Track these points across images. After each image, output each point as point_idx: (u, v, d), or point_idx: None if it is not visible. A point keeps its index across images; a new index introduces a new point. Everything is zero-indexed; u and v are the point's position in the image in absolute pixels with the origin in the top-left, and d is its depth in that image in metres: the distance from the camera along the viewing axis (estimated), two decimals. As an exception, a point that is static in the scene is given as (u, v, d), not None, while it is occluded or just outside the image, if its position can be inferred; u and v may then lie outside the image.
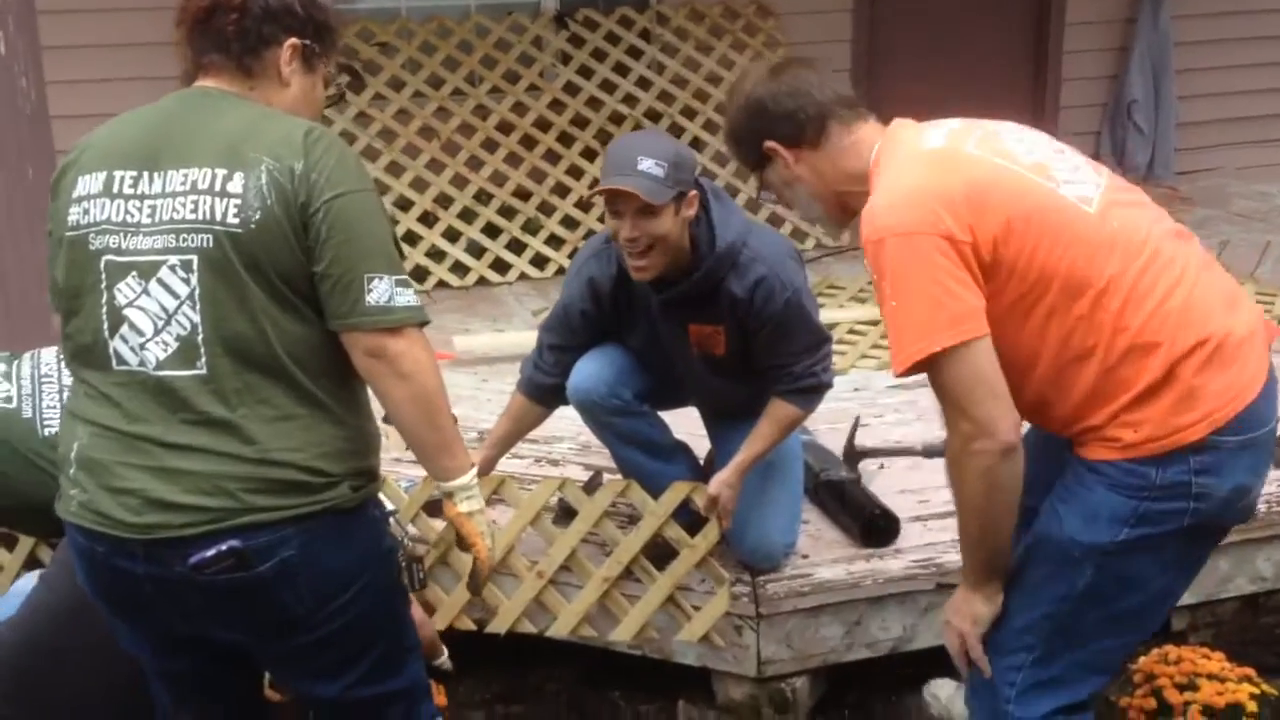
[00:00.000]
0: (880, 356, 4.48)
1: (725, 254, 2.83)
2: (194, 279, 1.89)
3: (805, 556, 3.17)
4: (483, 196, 5.62)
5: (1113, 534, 2.04)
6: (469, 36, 5.76)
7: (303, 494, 1.93)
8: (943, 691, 3.01)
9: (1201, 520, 2.05)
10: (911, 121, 2.21)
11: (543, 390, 3.08)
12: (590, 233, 5.41)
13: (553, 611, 3.11)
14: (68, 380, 2.21)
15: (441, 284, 5.44)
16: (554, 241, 5.62)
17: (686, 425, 3.31)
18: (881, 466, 3.57)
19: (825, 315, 3.62)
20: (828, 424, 3.61)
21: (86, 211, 1.95)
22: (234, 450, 1.90)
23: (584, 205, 5.64)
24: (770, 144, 2.21)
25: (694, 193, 2.81)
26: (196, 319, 1.90)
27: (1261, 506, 2.96)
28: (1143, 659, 2.96)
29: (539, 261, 5.58)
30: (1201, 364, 1.99)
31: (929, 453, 2.81)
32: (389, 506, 2.66)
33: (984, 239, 1.97)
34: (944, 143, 2.11)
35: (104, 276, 1.94)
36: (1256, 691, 2.85)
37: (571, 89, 5.87)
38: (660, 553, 3.03)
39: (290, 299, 1.91)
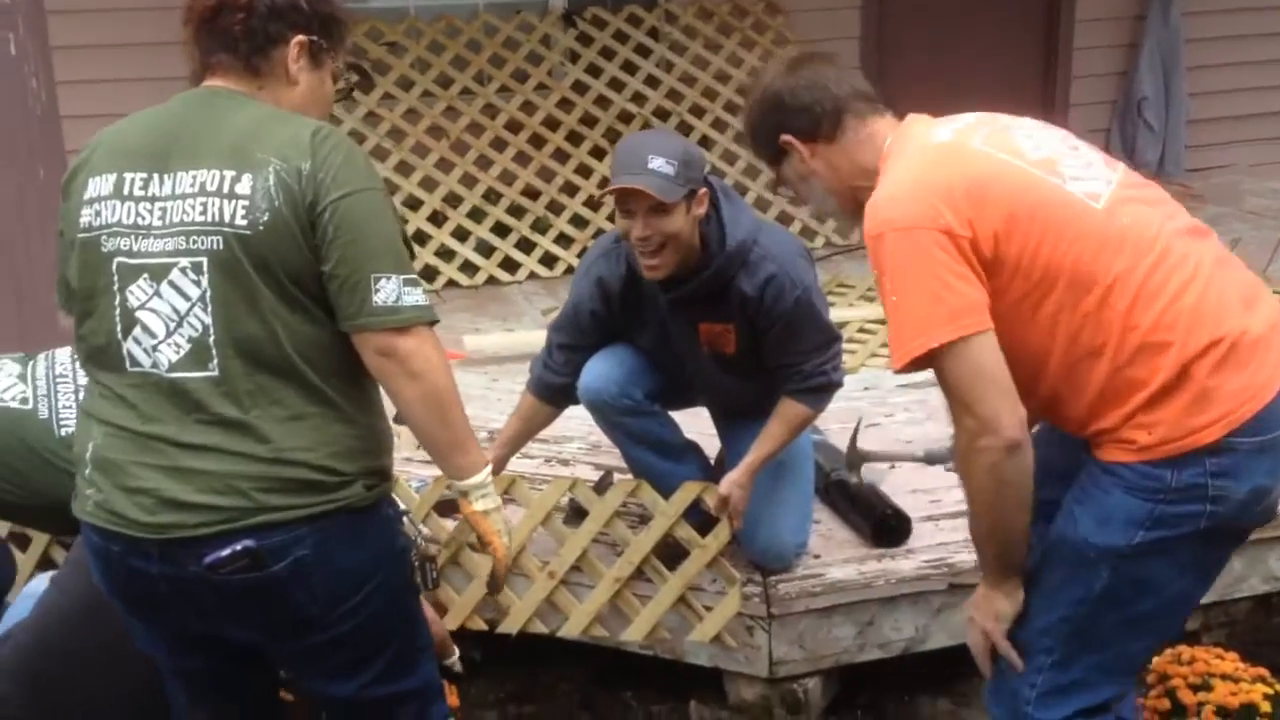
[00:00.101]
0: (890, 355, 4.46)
1: (735, 252, 2.82)
2: (205, 281, 1.89)
3: (817, 556, 3.16)
4: (492, 195, 5.62)
5: (1128, 537, 2.02)
6: (477, 35, 5.76)
7: (316, 493, 1.93)
8: None
9: (1219, 523, 2.03)
10: (925, 117, 2.19)
11: (552, 390, 3.08)
12: (600, 231, 5.42)
13: (564, 612, 3.11)
14: (83, 380, 2.21)
15: (451, 283, 5.44)
16: (563, 240, 5.62)
17: (697, 425, 3.30)
18: (892, 467, 3.56)
19: (835, 314, 3.61)
20: (839, 423, 3.60)
21: (98, 214, 1.95)
22: (248, 450, 1.90)
23: (593, 204, 5.63)
24: (786, 137, 2.20)
25: (704, 190, 2.81)
26: (208, 321, 1.90)
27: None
28: (1156, 659, 2.94)
29: (548, 260, 5.58)
30: (1216, 364, 1.97)
31: (931, 459, 2.80)
32: (402, 506, 2.66)
33: (984, 234, 1.96)
34: (950, 138, 2.10)
35: (116, 279, 1.94)
36: (1270, 692, 2.84)
37: (580, 87, 5.86)
38: (671, 553, 3.03)
39: (300, 299, 1.91)
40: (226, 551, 1.89)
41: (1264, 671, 2.92)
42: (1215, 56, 6.84)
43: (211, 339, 1.90)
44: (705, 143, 5.78)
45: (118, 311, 1.94)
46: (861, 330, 4.72)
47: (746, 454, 2.93)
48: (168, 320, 1.91)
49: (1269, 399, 2.00)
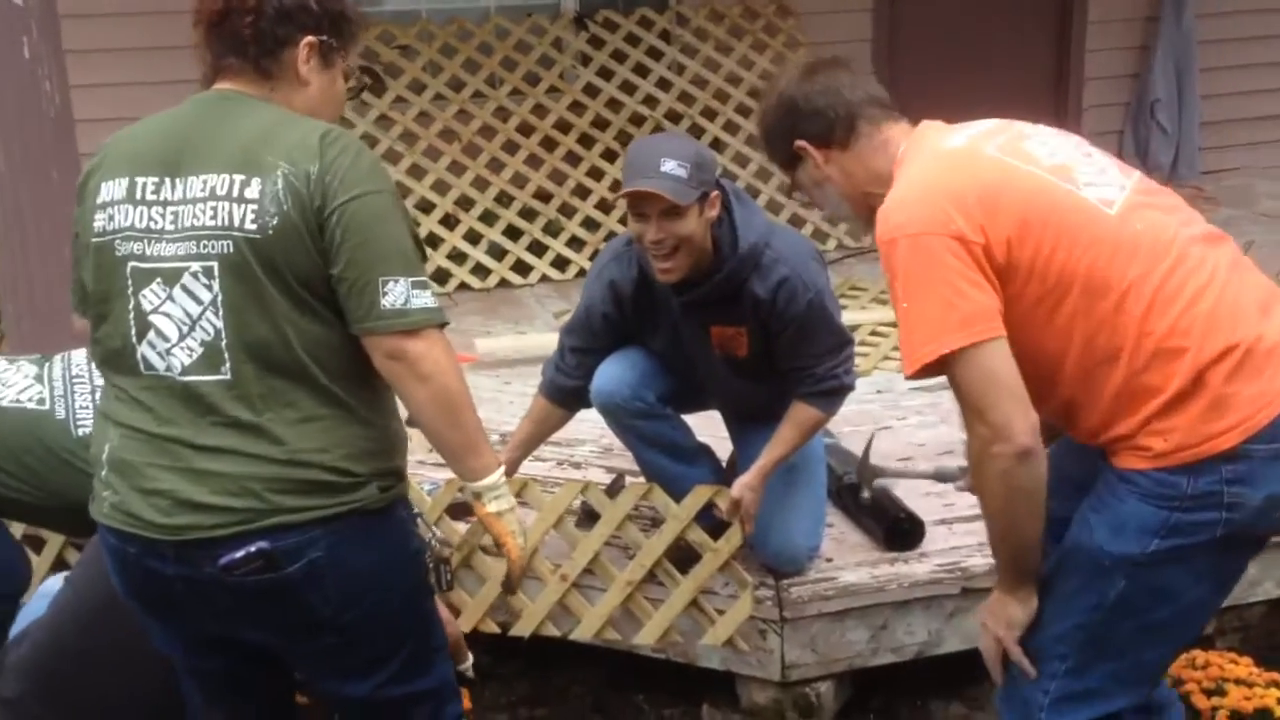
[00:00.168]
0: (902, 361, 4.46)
1: (748, 255, 2.82)
2: (216, 285, 1.90)
3: (829, 560, 3.16)
4: (503, 199, 5.62)
5: (1143, 545, 2.01)
6: (489, 39, 5.77)
7: (330, 494, 1.93)
8: None
9: (1234, 531, 2.01)
10: (940, 123, 2.19)
11: (564, 393, 3.08)
12: (611, 234, 5.42)
13: (576, 615, 3.11)
14: (99, 380, 2.22)
15: (463, 286, 5.45)
16: (575, 243, 5.62)
17: (709, 428, 3.30)
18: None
19: (847, 317, 3.59)
20: (851, 426, 3.59)
21: (111, 218, 1.96)
22: (262, 451, 1.91)
23: (605, 207, 5.64)
24: (800, 143, 2.20)
25: (716, 193, 2.81)
26: (220, 325, 1.90)
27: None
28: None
29: (560, 263, 5.58)
30: (1231, 370, 1.96)
31: (941, 477, 2.80)
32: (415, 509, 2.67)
33: (997, 240, 1.96)
34: (964, 144, 2.10)
35: (130, 283, 1.95)
36: (1285, 696, 2.83)
37: (591, 90, 5.87)
38: (683, 556, 3.02)
39: (309, 302, 1.91)
40: (241, 553, 1.90)
41: (1278, 676, 2.91)
42: (1228, 58, 6.82)
43: (223, 343, 1.90)
44: (717, 146, 5.78)
45: (132, 315, 1.95)
46: (874, 333, 4.71)
47: (758, 457, 2.92)
48: (180, 324, 1.92)
49: None
